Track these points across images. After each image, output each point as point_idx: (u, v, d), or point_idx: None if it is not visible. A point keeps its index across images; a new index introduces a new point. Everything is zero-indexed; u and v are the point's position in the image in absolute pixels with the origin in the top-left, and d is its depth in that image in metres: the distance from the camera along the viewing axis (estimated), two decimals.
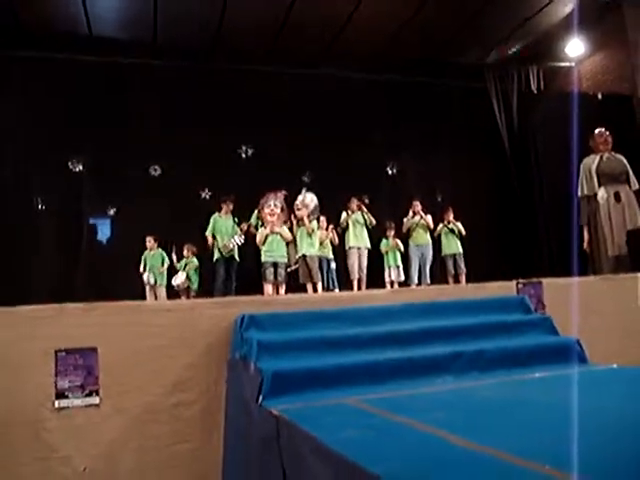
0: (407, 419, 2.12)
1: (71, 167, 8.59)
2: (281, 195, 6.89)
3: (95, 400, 3.94)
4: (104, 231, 8.98)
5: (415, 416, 2.17)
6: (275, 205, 6.73)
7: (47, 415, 3.94)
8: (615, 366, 3.61)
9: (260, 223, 7.03)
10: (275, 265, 6.67)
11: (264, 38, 9.52)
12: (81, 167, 8.63)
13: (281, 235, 6.79)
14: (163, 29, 9.08)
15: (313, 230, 7.13)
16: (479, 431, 1.87)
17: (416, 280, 8.78)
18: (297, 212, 7.21)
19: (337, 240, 8.39)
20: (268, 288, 6.57)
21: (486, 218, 10.65)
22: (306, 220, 7.02)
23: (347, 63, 9.97)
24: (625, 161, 7.08)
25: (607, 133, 7.28)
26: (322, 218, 8.09)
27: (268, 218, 6.71)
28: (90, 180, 8.66)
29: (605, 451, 1.59)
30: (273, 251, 6.71)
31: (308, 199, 7.35)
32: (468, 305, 4.18)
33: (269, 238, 6.72)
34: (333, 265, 8.34)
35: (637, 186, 6.93)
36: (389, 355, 3.41)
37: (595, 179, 7.05)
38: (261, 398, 3.10)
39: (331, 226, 8.31)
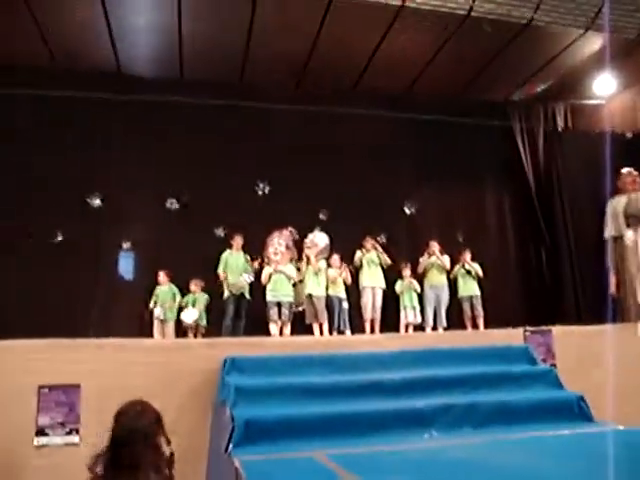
0: None
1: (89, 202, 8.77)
2: (287, 233, 6.80)
3: (74, 439, 3.86)
4: (121, 265, 8.96)
5: (370, 478, 2.01)
6: (279, 244, 6.65)
7: (26, 452, 3.87)
8: (621, 427, 3.34)
9: (267, 261, 6.92)
10: (279, 304, 6.55)
11: (287, 74, 9.56)
12: (99, 202, 8.80)
13: (285, 274, 6.67)
14: (189, 65, 9.21)
15: (320, 269, 6.99)
16: None
17: (431, 322, 8.47)
18: (306, 250, 7.09)
19: (350, 279, 8.08)
20: (272, 327, 6.44)
21: (510, 259, 10.38)
22: (312, 259, 6.89)
23: (371, 101, 9.93)
24: None
25: (636, 173, 7.07)
26: (335, 256, 7.85)
27: (272, 257, 6.61)
28: (107, 214, 8.75)
29: None
30: (277, 290, 6.59)
31: (318, 238, 7.24)
32: (466, 354, 3.98)
33: (273, 277, 6.63)
34: (345, 305, 7.99)
35: None
36: (372, 406, 3.24)
37: (622, 220, 6.83)
38: (231, 447, 2.97)
39: (344, 265, 8.03)
